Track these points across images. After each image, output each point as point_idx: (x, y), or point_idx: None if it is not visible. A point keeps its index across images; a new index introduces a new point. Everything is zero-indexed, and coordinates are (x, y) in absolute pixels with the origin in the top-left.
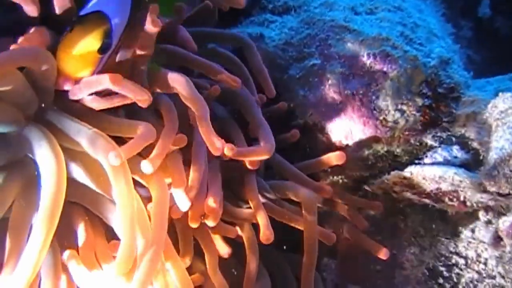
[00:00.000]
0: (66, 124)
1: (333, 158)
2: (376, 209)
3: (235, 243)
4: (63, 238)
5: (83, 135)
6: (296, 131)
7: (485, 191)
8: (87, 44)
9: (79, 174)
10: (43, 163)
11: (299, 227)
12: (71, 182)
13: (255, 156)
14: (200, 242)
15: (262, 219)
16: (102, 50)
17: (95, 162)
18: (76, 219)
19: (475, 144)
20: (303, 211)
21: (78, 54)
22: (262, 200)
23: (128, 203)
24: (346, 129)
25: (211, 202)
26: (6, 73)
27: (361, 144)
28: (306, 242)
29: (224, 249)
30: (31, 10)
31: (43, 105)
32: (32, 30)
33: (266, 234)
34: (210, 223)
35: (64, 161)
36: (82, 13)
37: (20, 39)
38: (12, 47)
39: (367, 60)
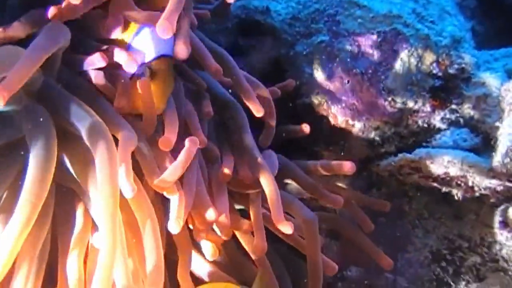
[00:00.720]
0: (68, 106)
1: (344, 167)
2: (384, 209)
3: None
4: (61, 223)
5: (84, 123)
6: (307, 126)
7: (494, 177)
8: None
9: (70, 164)
10: (34, 149)
11: (298, 248)
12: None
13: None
14: (178, 248)
15: (258, 232)
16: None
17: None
18: (76, 206)
19: (485, 128)
20: (305, 235)
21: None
22: (263, 210)
23: (112, 238)
24: (353, 109)
25: (222, 218)
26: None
27: (368, 125)
28: (310, 268)
29: (211, 252)
30: None
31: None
32: None
33: (259, 244)
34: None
35: (57, 149)
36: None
37: None
38: None
39: (377, 38)
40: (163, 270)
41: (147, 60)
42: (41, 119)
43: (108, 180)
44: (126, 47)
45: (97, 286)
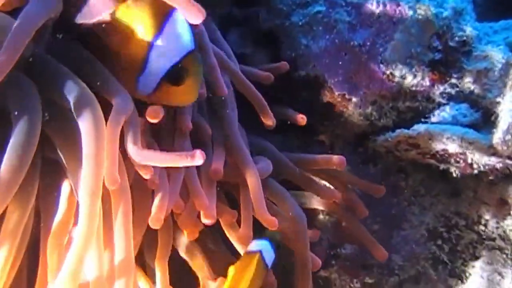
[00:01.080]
0: (57, 77)
1: (333, 161)
2: (379, 193)
3: None
4: (46, 200)
5: (73, 95)
6: (304, 117)
7: (494, 154)
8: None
9: (56, 140)
10: (18, 123)
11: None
12: None
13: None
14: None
15: (245, 221)
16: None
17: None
18: (63, 183)
19: (485, 103)
20: (293, 232)
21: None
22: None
23: (92, 218)
24: (350, 82)
25: (209, 210)
26: None
27: (365, 99)
28: (298, 266)
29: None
30: None
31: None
32: None
33: (244, 233)
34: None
35: (43, 123)
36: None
37: None
38: None
39: (376, 8)
40: (132, 262)
41: (174, 61)
42: (27, 92)
43: (92, 160)
44: (149, 47)
45: (64, 273)
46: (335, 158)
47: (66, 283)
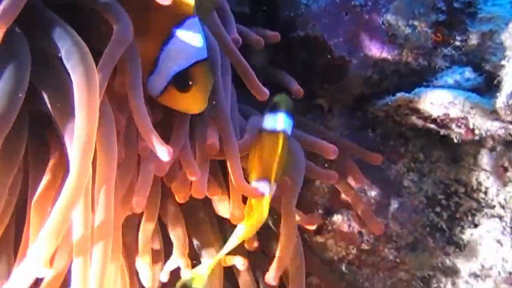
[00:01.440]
0: (48, 25)
1: (326, 149)
2: (377, 161)
3: None
4: (34, 157)
5: (63, 43)
6: (300, 89)
7: (497, 119)
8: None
9: (45, 92)
10: (4, 73)
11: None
12: None
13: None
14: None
15: (235, 199)
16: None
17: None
18: (51, 138)
19: (488, 67)
20: (282, 207)
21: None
22: None
23: (82, 174)
24: (351, 44)
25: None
26: None
27: (366, 61)
28: (282, 237)
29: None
30: None
31: None
32: None
33: (235, 214)
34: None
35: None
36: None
37: None
38: None
39: None
40: (111, 224)
41: (182, 66)
42: (14, 39)
43: (85, 113)
44: (157, 57)
45: (48, 228)
46: (328, 147)
47: (48, 238)
